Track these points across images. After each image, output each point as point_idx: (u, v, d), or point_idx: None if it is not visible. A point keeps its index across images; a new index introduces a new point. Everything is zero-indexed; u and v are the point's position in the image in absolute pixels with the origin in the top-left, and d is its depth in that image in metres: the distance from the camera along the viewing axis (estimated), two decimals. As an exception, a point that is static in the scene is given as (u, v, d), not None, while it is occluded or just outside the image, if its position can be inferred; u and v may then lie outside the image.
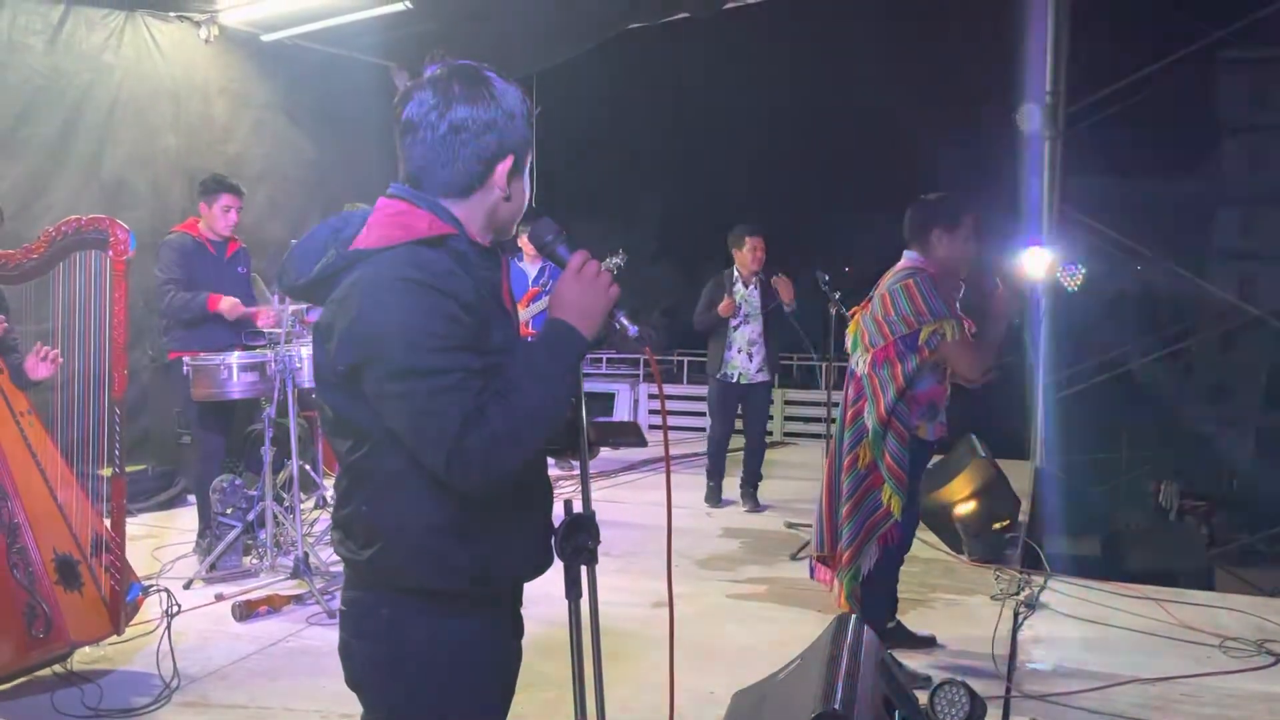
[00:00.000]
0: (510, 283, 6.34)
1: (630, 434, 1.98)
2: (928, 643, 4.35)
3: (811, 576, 4.19)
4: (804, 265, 6.72)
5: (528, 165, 1.78)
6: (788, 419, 11.50)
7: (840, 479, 3.94)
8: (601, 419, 2.05)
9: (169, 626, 3.83)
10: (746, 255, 6.79)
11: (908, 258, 3.93)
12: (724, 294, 6.82)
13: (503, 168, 1.73)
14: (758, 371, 6.86)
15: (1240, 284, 10.89)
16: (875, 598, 3.99)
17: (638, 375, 16.00)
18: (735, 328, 6.81)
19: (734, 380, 6.87)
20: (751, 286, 6.83)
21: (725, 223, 7.06)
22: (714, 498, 7.11)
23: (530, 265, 7.32)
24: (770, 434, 11.35)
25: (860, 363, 3.92)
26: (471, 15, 7.75)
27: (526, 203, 1.80)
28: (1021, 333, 4.27)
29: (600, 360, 16.78)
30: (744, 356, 6.82)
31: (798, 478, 7.67)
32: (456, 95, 1.70)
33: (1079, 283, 8.80)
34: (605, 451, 8.91)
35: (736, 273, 6.87)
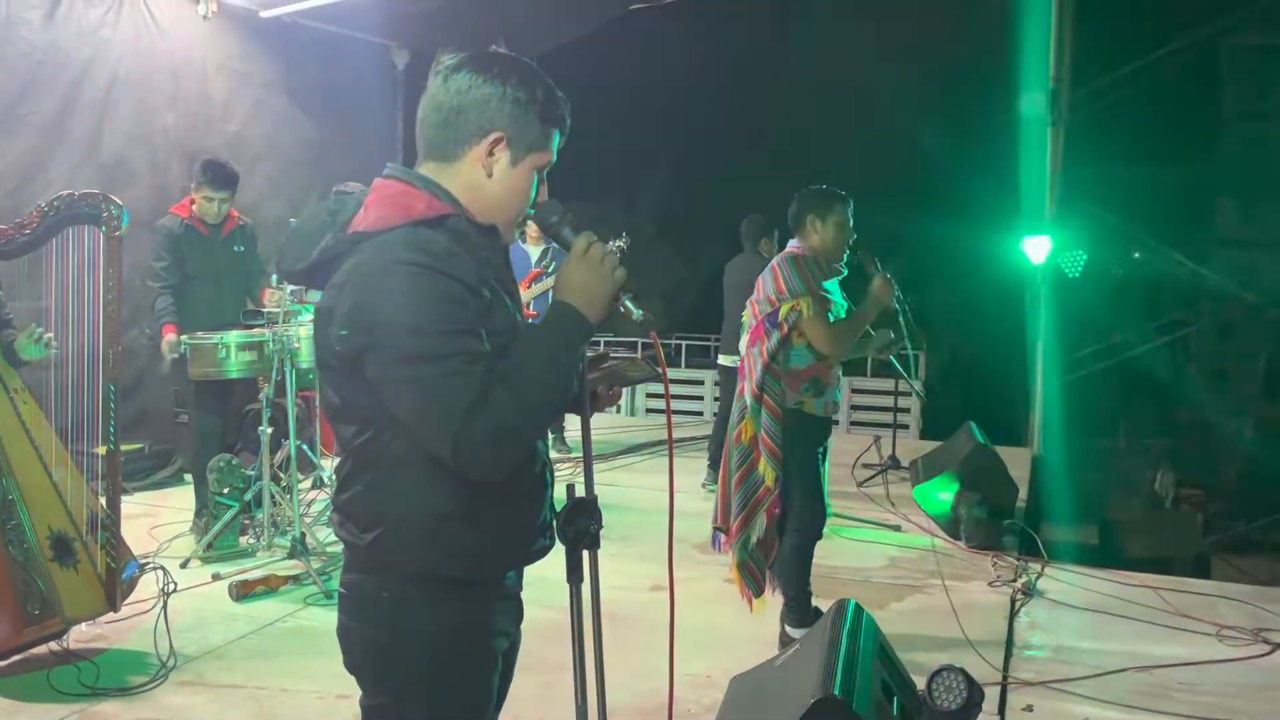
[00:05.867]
0: (515, 264, 6.31)
1: (638, 371, 1.96)
2: None
3: (714, 546, 4.29)
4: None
5: (530, 159, 1.74)
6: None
7: (732, 453, 4.13)
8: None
9: (165, 605, 3.83)
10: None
11: (789, 245, 4.19)
12: None
13: (486, 142, 1.70)
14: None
15: (1241, 272, 10.85)
16: (791, 574, 4.12)
17: (637, 358, 15.98)
18: None
19: (727, 366, 6.78)
20: None
21: (724, 207, 6.95)
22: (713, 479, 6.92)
23: (533, 246, 7.29)
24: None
25: (743, 344, 4.20)
26: (473, -6, 7.69)
27: (525, 196, 1.76)
28: (899, 318, 4.55)
29: (599, 343, 16.80)
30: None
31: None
32: (466, 65, 1.71)
33: (1079, 270, 8.78)
34: (607, 434, 8.86)
35: None
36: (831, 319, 4.00)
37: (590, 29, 8.92)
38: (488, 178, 1.72)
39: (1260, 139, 10.81)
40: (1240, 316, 10.91)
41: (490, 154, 1.71)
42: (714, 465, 6.98)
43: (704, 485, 6.83)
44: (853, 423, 14.37)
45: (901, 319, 4.81)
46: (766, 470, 3.97)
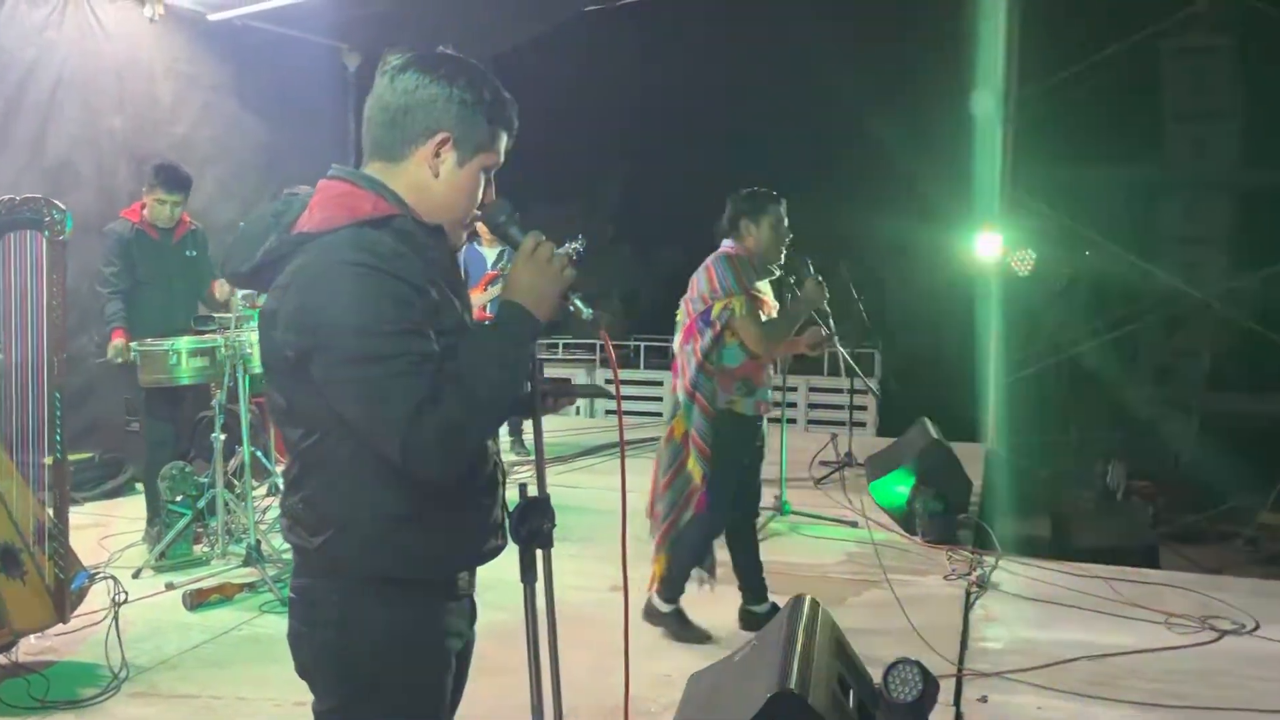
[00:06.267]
0: (468, 266, 6.40)
1: (590, 390, 2.00)
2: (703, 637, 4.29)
3: (651, 536, 4.31)
4: None
5: (477, 160, 1.73)
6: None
7: (663, 451, 4.18)
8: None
9: (116, 615, 3.77)
10: None
11: (722, 245, 4.24)
12: None
13: (433, 143, 1.69)
14: None
15: (1184, 268, 11.14)
16: (678, 557, 4.19)
17: (594, 360, 15.99)
18: None
19: None
20: None
21: (683, 209, 6.98)
22: None
23: (489, 249, 7.28)
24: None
25: (675, 341, 4.24)
26: (426, -4, 7.67)
27: (472, 196, 1.76)
28: (828, 321, 4.64)
29: (557, 345, 16.76)
30: None
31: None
32: (412, 65, 1.70)
33: (1030, 268, 8.93)
34: (566, 436, 8.85)
35: None
36: (764, 319, 4.07)
37: (544, 30, 8.91)
38: (434, 178, 1.72)
39: (1199, 138, 11.05)
40: (1185, 312, 11.16)
41: (437, 154, 1.70)
42: None
43: None
44: (810, 421, 14.49)
45: (831, 319, 4.83)
46: (695, 468, 4.03)
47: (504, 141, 1.77)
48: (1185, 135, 11.10)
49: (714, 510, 4.13)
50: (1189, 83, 10.96)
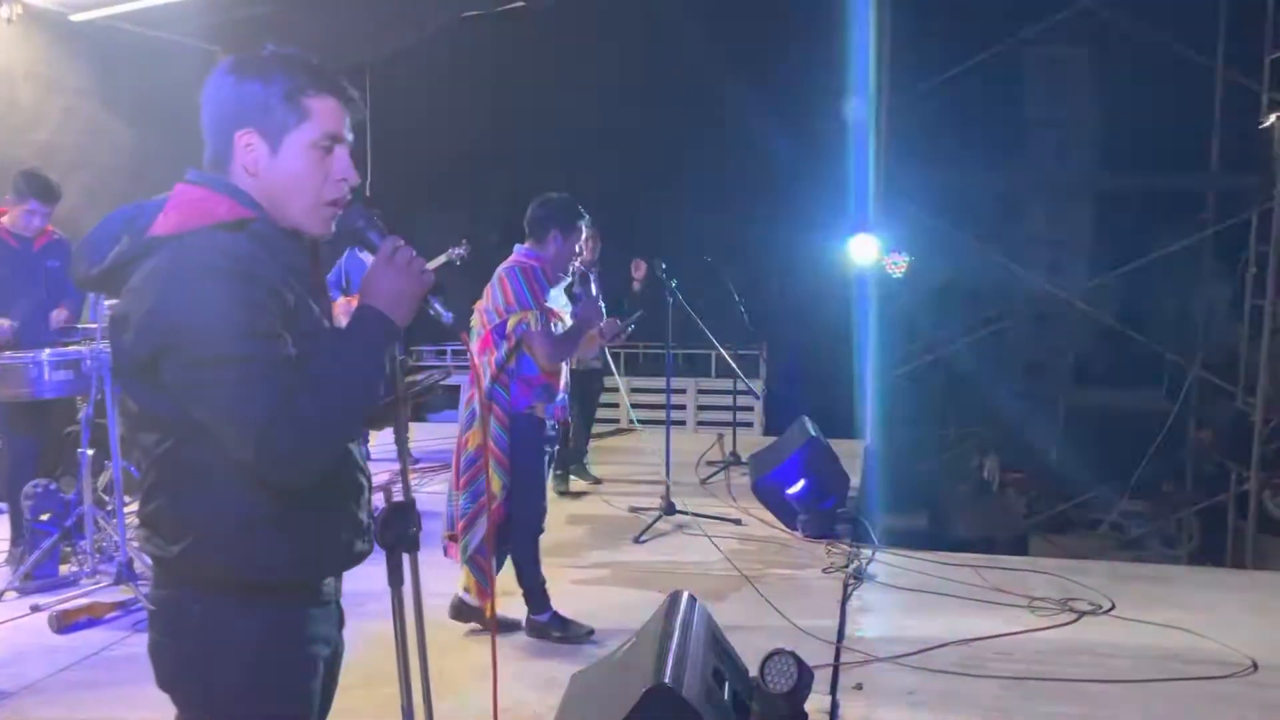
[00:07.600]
0: (349, 274, 6.23)
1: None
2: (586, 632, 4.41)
3: (445, 555, 4.32)
4: (637, 253, 6.87)
5: (291, 139, 1.68)
6: (634, 406, 11.63)
7: (456, 459, 4.22)
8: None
9: (-24, 641, 3.62)
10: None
11: (517, 251, 4.30)
12: None
13: (239, 140, 1.68)
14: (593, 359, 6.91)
15: (1049, 268, 11.72)
16: (521, 569, 4.23)
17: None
18: None
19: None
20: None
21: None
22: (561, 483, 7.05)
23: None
24: (617, 420, 11.51)
25: (472, 350, 4.24)
26: (302, 0, 7.55)
27: (308, 178, 1.70)
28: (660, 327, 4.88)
29: (445, 352, 16.55)
30: None
31: (642, 463, 7.81)
32: (224, 69, 1.70)
33: (904, 270, 9.24)
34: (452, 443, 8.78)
35: None
36: (555, 330, 4.16)
37: (422, 37, 8.85)
38: (253, 176, 1.70)
39: (1060, 144, 11.65)
40: (1051, 311, 11.71)
41: (248, 149, 1.69)
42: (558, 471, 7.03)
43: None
44: (700, 422, 14.68)
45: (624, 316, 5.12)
46: (494, 479, 4.06)
47: (326, 106, 1.70)
48: (1047, 141, 11.69)
49: (529, 511, 4.19)
50: (1050, 90, 11.57)
